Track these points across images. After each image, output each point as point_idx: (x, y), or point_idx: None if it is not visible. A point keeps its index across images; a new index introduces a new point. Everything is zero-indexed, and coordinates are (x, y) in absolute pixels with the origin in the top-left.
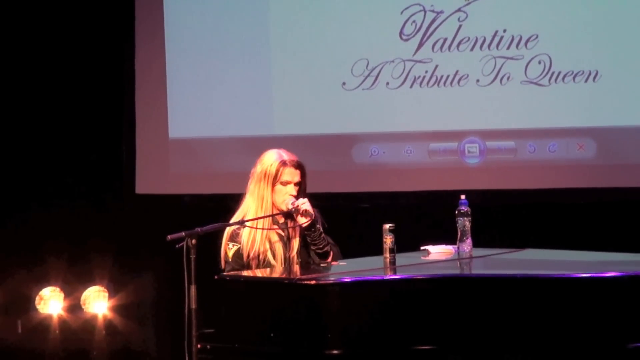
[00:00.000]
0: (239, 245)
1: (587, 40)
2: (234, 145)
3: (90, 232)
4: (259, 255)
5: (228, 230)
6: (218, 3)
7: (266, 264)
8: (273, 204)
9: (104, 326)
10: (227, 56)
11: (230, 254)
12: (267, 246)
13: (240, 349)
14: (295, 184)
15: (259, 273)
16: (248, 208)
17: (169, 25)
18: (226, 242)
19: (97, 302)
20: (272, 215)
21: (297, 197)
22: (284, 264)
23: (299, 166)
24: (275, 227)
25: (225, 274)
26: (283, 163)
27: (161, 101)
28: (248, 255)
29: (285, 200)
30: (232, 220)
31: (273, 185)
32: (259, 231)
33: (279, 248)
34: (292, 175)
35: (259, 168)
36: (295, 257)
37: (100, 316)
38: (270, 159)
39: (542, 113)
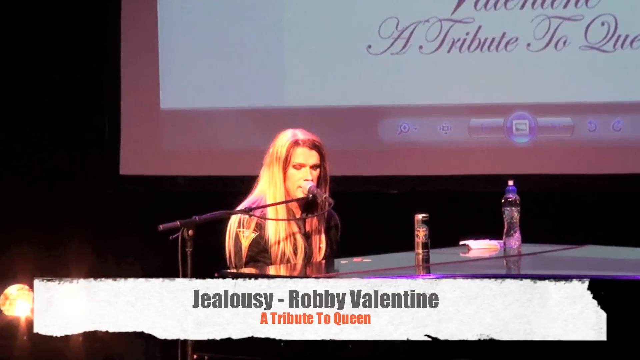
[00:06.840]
0: (256, 234)
1: None
2: (238, 118)
3: (66, 218)
4: (281, 251)
5: (235, 218)
6: None
7: (286, 260)
8: (287, 192)
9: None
10: (231, 12)
11: (246, 243)
12: (290, 241)
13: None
14: (312, 167)
15: (272, 270)
16: (259, 197)
17: None
18: (237, 231)
19: None
20: (285, 202)
21: (316, 184)
22: (304, 261)
23: (314, 146)
24: (292, 219)
25: (227, 271)
26: (295, 143)
27: (152, 65)
28: (269, 246)
29: (302, 186)
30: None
31: (285, 169)
32: (284, 225)
33: (300, 242)
34: (305, 156)
35: (270, 150)
36: (322, 255)
37: None
38: (282, 139)
39: (605, 84)
